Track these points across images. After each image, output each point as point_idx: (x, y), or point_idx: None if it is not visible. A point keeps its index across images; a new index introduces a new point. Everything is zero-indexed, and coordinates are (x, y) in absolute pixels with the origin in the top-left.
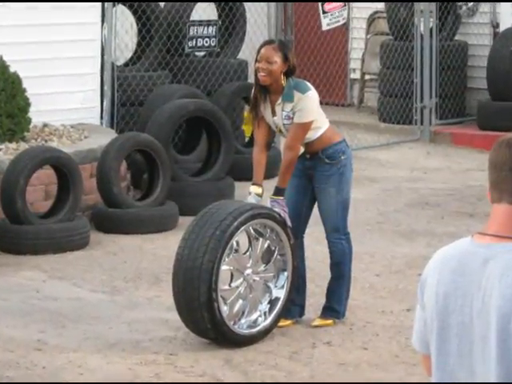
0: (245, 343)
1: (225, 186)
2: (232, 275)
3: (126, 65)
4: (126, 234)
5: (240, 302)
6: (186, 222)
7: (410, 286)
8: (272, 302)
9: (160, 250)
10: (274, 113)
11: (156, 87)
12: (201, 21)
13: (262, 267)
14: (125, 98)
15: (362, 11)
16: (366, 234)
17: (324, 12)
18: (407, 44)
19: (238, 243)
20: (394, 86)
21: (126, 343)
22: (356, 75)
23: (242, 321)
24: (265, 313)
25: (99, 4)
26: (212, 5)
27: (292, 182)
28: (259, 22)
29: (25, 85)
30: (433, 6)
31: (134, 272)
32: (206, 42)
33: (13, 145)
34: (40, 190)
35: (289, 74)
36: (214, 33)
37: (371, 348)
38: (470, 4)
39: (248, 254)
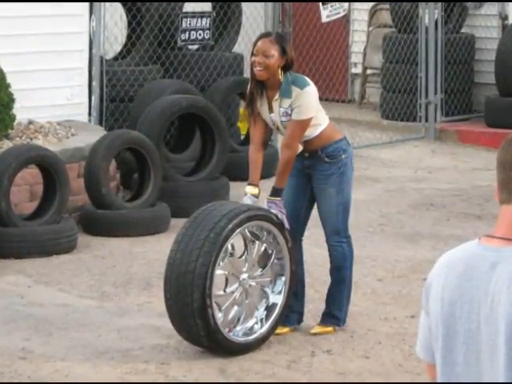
0: (240, 352)
1: (219, 187)
2: (227, 280)
3: (116, 59)
4: (116, 237)
5: (235, 308)
6: (178, 224)
7: (414, 292)
8: (269, 309)
9: (151, 254)
10: (271, 109)
11: (147, 82)
12: (194, 12)
13: (259, 272)
14: (114, 94)
15: (363, 2)
16: (368, 237)
17: (323, 3)
18: (411, 37)
19: (233, 246)
20: (397, 81)
21: (116, 351)
22: (357, 70)
23: (238, 328)
24: (261, 319)
25: None
26: None
27: (290, 182)
28: (255, 14)
29: (9, 80)
30: None
31: (124, 277)
32: (200, 34)
33: None
34: (25, 190)
35: (287, 68)
36: (207, 25)
37: (373, 357)
38: None
39: (244, 257)
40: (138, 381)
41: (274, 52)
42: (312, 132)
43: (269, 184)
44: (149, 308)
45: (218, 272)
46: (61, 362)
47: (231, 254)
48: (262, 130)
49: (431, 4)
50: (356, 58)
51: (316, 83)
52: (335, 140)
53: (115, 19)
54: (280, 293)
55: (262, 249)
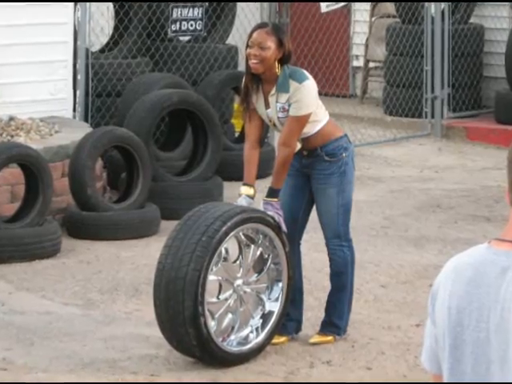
0: (234, 362)
1: (212, 187)
2: (220, 286)
3: (102, 51)
4: (102, 241)
5: (229, 316)
6: (168, 226)
7: (420, 299)
8: (265, 317)
9: (140, 259)
10: (267, 104)
11: (135, 76)
12: (185, 2)
13: (254, 277)
14: (100, 88)
15: None
16: (371, 241)
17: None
18: (416, 28)
19: (227, 250)
20: (401, 75)
21: (102, 362)
22: (359, 63)
23: (232, 337)
24: (257, 328)
25: None
26: None
27: (287, 182)
28: (251, 4)
29: None
30: None
31: (111, 283)
32: (192, 25)
33: None
34: (6, 190)
35: (284, 61)
36: (200, 15)
37: (376, 368)
38: None
39: (238, 262)
40: None
41: (271, 44)
42: (311, 129)
43: (265, 184)
44: (137, 316)
45: (211, 278)
46: (43, 374)
47: (225, 259)
48: (258, 127)
49: None
50: (358, 50)
51: (315, 77)
52: (335, 137)
53: (101, 9)
54: (277, 300)
55: (258, 253)
